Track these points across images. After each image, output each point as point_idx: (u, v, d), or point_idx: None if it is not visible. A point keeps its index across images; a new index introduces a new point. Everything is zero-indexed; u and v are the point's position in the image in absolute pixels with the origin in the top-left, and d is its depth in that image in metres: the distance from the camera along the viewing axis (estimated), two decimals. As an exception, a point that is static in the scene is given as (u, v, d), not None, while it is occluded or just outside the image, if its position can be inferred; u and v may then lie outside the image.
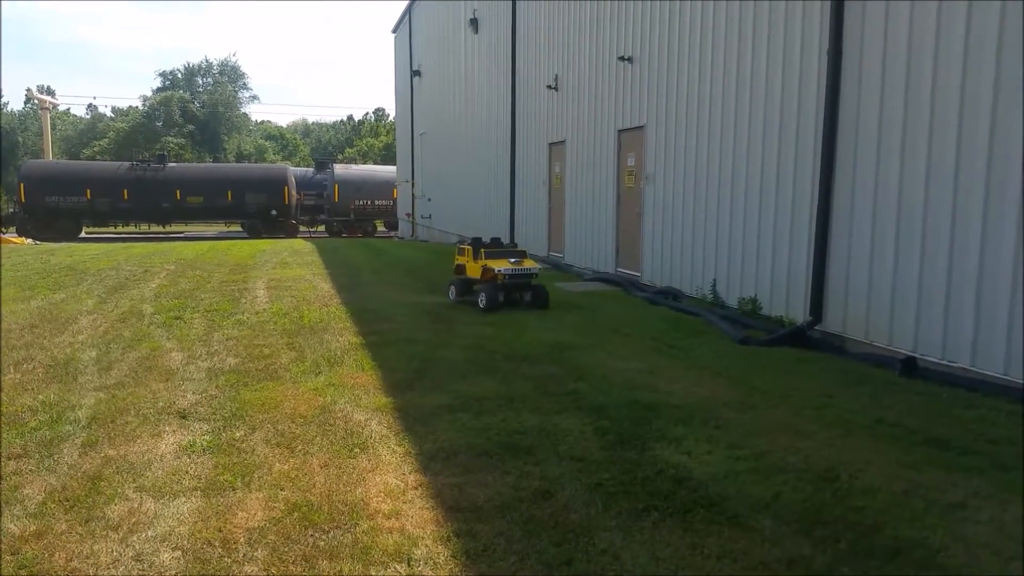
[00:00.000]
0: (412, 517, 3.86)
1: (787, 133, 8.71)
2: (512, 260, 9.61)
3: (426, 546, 3.55)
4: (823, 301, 8.14)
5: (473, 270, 9.94)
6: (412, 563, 3.41)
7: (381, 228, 38.92)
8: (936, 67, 6.71)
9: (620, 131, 13.18)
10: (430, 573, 3.33)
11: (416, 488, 4.22)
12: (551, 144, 16.53)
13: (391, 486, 4.25)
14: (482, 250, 9.79)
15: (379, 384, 6.31)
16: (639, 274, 12.54)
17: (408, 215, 31.61)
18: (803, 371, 6.90)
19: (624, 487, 4.17)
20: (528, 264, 9.75)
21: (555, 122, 16.18)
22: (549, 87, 16.14)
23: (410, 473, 4.43)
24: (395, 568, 3.38)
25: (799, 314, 8.48)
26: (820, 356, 7.57)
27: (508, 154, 18.88)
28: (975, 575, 3.26)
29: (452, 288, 10.34)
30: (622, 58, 12.73)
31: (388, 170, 39.56)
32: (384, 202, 37.41)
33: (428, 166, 28.20)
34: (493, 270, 9.53)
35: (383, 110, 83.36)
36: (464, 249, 10.18)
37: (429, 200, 28.00)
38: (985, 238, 6.24)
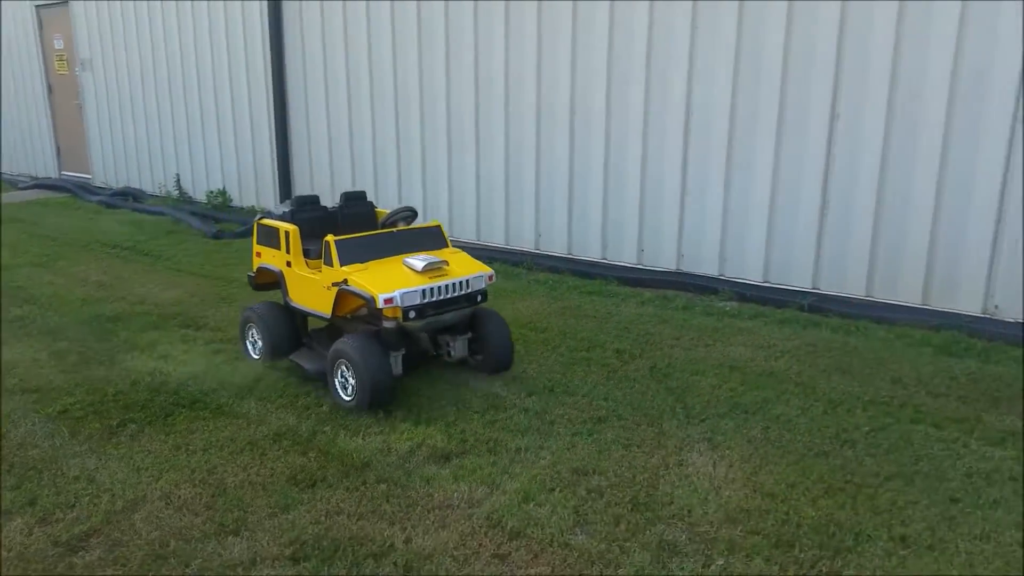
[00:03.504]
0: None
1: (234, 31, 8.38)
2: (424, 264, 3.79)
3: None
4: (291, 190, 8.34)
5: (307, 291, 4.02)
6: None
7: None
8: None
9: (39, 7, 11.11)
10: None
11: None
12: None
13: None
14: (330, 241, 3.80)
15: None
16: (90, 176, 11.10)
17: None
18: (278, 257, 7.04)
19: (94, 407, 3.77)
20: (463, 269, 3.93)
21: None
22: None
23: None
24: None
25: (270, 202, 8.56)
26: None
27: None
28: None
29: (252, 333, 4.34)
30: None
31: None
32: None
33: None
34: (374, 299, 3.60)
35: None
36: (276, 232, 4.14)
37: None
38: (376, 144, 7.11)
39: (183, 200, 9.45)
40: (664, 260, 5.91)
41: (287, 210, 4.24)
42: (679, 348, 4.52)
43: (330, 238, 3.80)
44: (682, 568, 2.51)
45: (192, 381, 4.08)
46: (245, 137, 8.68)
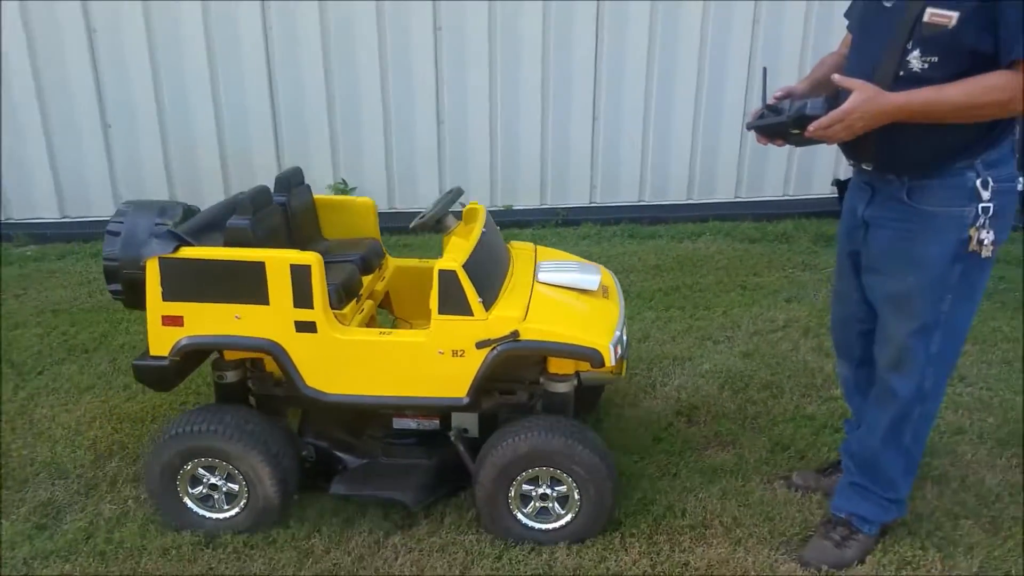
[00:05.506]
0: None
1: None
2: (597, 279, 2.27)
3: None
4: None
5: (383, 367, 2.09)
6: None
7: None
8: None
9: None
10: None
11: None
12: None
13: None
14: (458, 270, 2.01)
15: None
16: None
17: None
18: None
19: None
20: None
21: None
22: None
23: None
24: None
25: None
26: None
27: None
28: None
29: (209, 474, 2.12)
30: None
31: None
32: None
33: None
34: (601, 354, 2.05)
35: None
36: (249, 269, 1.95)
37: None
38: None
39: None
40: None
41: (243, 222, 2.12)
42: None
43: (454, 265, 2.06)
44: (67, 525, 2.30)
45: None
46: None
